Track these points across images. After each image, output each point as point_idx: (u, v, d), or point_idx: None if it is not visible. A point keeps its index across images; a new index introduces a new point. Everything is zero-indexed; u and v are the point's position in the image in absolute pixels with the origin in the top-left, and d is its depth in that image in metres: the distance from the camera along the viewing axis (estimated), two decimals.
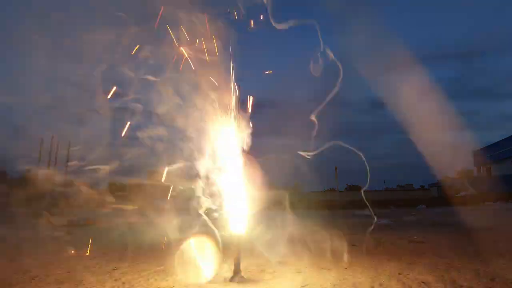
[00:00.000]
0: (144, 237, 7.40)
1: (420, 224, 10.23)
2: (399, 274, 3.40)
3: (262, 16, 3.83)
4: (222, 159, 3.49)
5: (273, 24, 3.81)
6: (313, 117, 3.64)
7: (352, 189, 51.07)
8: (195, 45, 3.69)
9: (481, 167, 40.44)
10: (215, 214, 3.52)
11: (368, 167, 3.85)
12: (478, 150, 39.72)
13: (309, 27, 3.88)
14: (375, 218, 4.71)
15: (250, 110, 3.62)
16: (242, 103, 3.66)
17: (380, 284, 3.02)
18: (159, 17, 3.60)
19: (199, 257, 4.02)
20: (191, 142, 3.55)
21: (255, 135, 3.63)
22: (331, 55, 3.72)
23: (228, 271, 3.59)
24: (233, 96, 3.60)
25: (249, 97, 3.68)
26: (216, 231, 3.63)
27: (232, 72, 3.64)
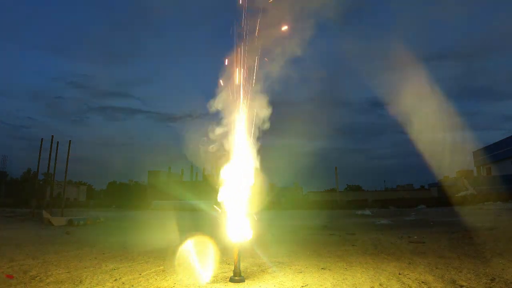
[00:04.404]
0: (144, 237, 7.40)
1: (420, 224, 10.23)
2: (399, 274, 3.40)
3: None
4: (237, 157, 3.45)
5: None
6: None
7: (352, 189, 51.10)
8: None
9: (481, 167, 40.43)
10: (216, 214, 3.51)
11: None
12: (478, 150, 39.75)
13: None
14: (375, 218, 4.71)
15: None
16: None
17: (380, 284, 3.02)
18: None
19: (199, 257, 4.03)
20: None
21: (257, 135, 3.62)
22: None
23: (228, 271, 3.59)
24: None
25: None
26: (216, 231, 3.63)
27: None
